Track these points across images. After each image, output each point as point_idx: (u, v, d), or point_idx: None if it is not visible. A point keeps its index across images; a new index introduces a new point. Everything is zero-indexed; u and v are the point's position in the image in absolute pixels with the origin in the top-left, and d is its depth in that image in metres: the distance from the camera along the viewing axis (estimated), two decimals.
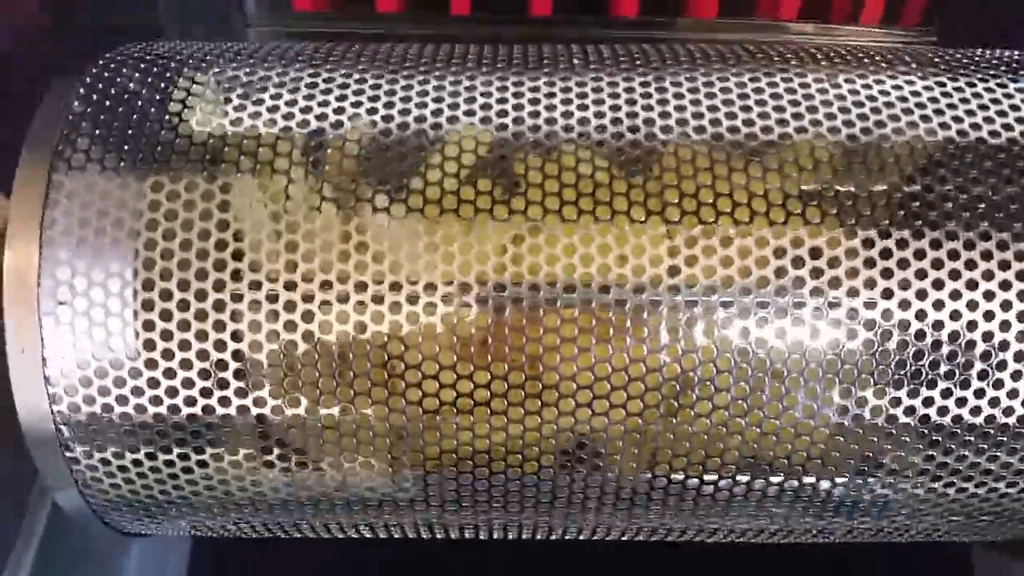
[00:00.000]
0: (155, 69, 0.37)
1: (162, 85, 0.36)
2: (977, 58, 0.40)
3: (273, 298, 0.32)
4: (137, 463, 0.35)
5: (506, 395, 0.33)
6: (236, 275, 0.32)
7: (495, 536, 0.41)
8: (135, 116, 0.35)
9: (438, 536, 0.41)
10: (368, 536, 0.41)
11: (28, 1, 0.40)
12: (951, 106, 0.36)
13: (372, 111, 0.35)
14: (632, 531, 0.42)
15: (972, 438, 0.34)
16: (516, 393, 0.33)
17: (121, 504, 0.37)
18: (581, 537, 0.42)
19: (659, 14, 0.58)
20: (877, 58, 0.39)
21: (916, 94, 0.36)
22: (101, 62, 0.37)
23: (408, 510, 0.38)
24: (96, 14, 0.43)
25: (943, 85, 0.37)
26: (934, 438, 0.34)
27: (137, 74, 0.36)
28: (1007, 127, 0.35)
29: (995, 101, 0.36)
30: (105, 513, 0.38)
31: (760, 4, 0.59)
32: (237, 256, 0.32)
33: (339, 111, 0.35)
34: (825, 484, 0.36)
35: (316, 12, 0.56)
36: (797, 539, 0.41)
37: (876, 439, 0.34)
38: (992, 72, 0.38)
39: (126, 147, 0.34)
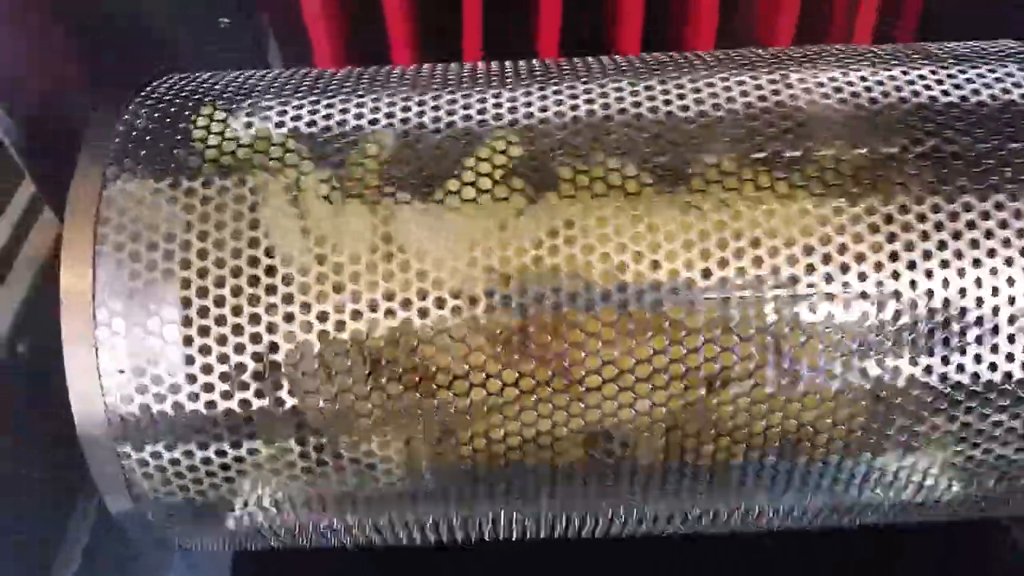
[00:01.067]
0: (194, 98, 0.39)
1: (201, 112, 0.38)
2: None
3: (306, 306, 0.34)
4: (192, 468, 0.35)
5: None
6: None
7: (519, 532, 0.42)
8: (177, 138, 0.37)
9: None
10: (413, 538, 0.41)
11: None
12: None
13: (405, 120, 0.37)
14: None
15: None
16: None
17: (171, 511, 0.37)
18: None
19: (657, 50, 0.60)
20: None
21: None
22: (143, 93, 0.39)
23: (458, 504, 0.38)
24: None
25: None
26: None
27: (178, 101, 0.38)
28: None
29: None
30: (155, 520, 0.38)
31: (757, 37, 0.62)
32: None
33: (373, 121, 0.37)
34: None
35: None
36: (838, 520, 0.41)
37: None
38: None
39: (170, 168, 0.36)
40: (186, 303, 0.34)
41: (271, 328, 0.34)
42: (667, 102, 0.38)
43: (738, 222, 0.34)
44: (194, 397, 0.34)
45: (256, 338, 0.34)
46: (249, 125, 0.37)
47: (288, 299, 0.34)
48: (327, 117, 0.37)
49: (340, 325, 0.33)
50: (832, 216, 0.34)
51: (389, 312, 0.33)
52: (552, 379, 0.34)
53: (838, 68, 0.39)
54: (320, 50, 0.58)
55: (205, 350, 0.34)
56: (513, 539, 0.42)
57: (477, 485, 0.37)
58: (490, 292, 0.34)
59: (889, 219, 0.34)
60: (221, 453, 0.36)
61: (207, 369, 0.34)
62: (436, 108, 0.38)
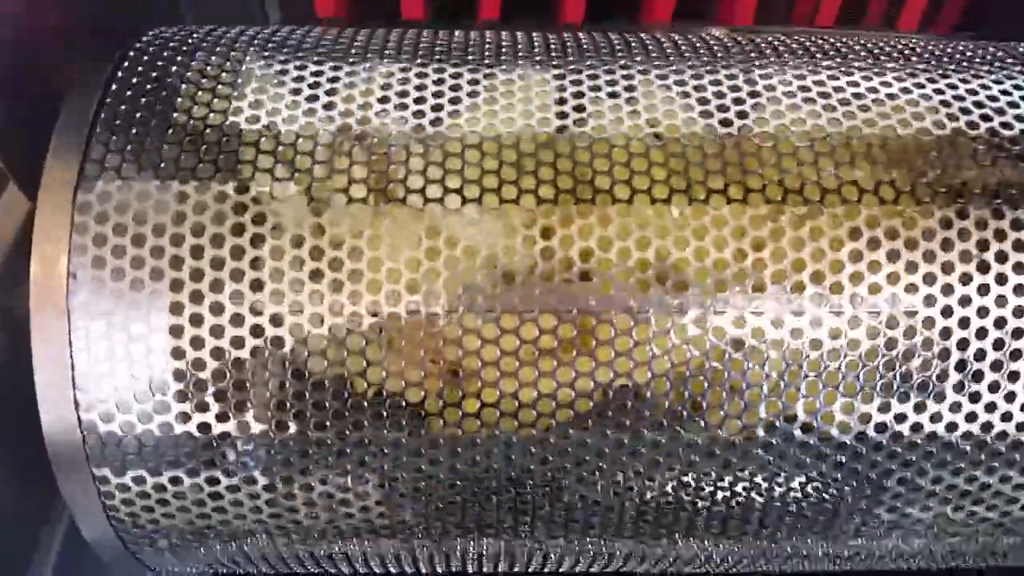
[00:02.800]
0: (193, 59, 0.34)
1: (196, 77, 0.33)
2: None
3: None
4: (170, 487, 0.31)
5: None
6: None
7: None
8: (170, 113, 0.32)
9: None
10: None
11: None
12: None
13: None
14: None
15: None
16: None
17: (148, 532, 0.33)
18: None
19: (693, 18, 0.56)
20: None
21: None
22: (132, 52, 0.34)
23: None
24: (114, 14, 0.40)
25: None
26: None
27: (173, 65, 0.33)
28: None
29: None
30: (131, 542, 0.34)
31: (796, 12, 0.57)
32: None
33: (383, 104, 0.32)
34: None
35: (339, 20, 0.53)
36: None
37: None
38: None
39: (162, 147, 0.31)
40: (176, 309, 0.29)
41: (277, 343, 0.29)
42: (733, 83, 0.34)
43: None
44: (184, 417, 0.30)
45: (257, 352, 0.29)
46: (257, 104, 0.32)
47: (297, 309, 0.29)
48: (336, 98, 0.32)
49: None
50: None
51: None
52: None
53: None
54: None
55: (198, 364, 0.29)
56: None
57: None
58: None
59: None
60: (213, 481, 0.31)
61: (200, 385, 0.30)
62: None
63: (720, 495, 0.33)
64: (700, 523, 0.34)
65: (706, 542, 0.36)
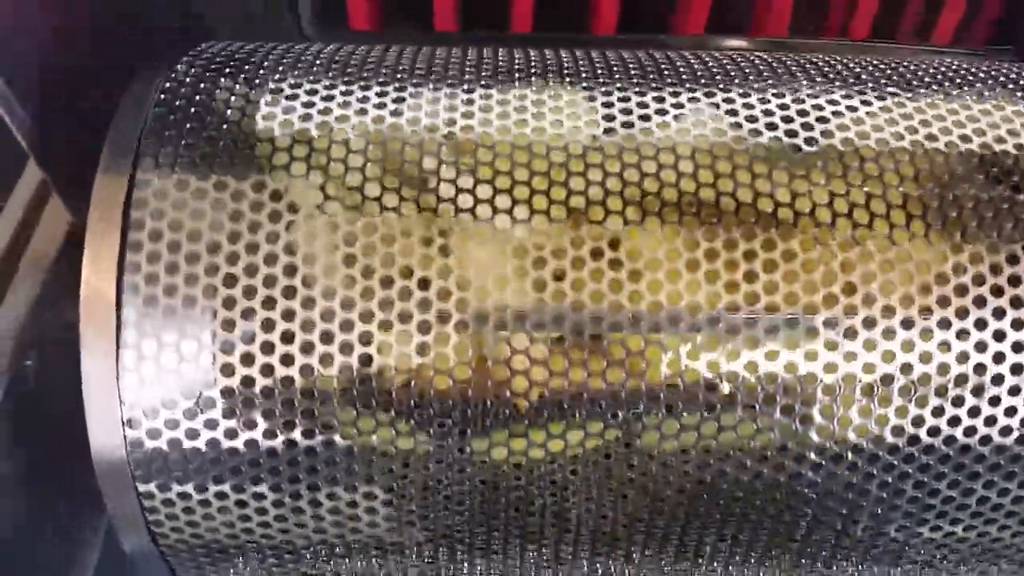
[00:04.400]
0: (243, 73, 0.33)
1: (251, 91, 0.32)
2: None
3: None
4: (214, 503, 0.31)
5: None
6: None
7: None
8: (224, 125, 0.31)
9: None
10: None
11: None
12: None
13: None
14: None
15: None
16: None
17: (191, 548, 0.33)
18: None
19: (727, 31, 0.56)
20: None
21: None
22: (182, 64, 0.33)
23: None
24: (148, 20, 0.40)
25: None
26: None
27: (224, 78, 0.33)
28: None
29: None
30: (174, 558, 0.34)
31: (829, 24, 0.57)
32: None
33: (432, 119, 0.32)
34: None
35: (373, 31, 0.53)
36: None
37: None
38: None
39: (214, 164, 0.30)
40: (228, 326, 0.29)
41: (325, 360, 0.29)
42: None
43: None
44: (232, 434, 0.30)
45: (307, 371, 0.29)
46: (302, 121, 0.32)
47: (347, 326, 0.29)
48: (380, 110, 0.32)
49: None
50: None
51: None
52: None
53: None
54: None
55: (248, 382, 0.29)
56: None
57: None
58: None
59: None
60: (259, 497, 0.31)
61: (249, 403, 0.29)
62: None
63: None
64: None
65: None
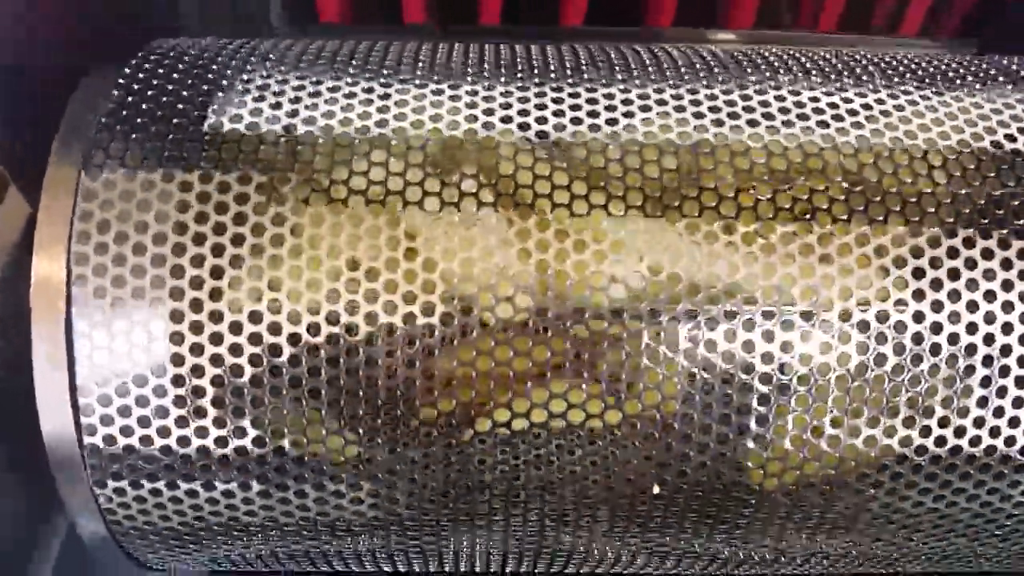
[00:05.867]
0: (195, 69, 0.34)
1: (203, 86, 0.33)
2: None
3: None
4: (166, 491, 0.32)
5: None
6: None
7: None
8: (174, 119, 0.32)
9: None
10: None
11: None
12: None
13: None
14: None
15: None
16: None
17: (145, 534, 0.34)
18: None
19: (694, 23, 0.56)
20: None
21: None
22: (135, 61, 0.34)
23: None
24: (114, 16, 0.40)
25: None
26: None
27: (176, 74, 0.33)
28: None
29: None
30: (128, 543, 0.34)
31: (800, 16, 0.57)
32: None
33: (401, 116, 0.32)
34: None
35: (342, 24, 0.54)
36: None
37: None
38: None
39: (165, 154, 0.31)
40: (176, 317, 0.30)
41: (275, 351, 0.30)
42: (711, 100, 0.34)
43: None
44: (182, 422, 0.30)
45: (256, 360, 0.30)
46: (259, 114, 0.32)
47: (295, 318, 0.29)
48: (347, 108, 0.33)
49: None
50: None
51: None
52: None
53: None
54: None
55: (197, 371, 0.30)
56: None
57: None
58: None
59: None
60: (209, 486, 0.32)
61: (198, 392, 0.30)
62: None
63: None
64: None
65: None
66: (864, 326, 0.30)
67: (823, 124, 0.33)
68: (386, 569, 0.40)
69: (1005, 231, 0.31)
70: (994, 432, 0.31)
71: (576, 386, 0.30)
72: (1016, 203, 0.31)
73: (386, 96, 0.33)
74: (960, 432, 0.31)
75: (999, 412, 0.31)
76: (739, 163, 0.31)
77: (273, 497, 0.32)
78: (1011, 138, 0.33)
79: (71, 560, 0.40)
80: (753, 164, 0.31)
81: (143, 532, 0.34)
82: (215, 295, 0.30)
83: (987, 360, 0.30)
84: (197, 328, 0.29)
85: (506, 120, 0.32)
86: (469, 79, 0.34)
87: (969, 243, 0.31)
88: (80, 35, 0.38)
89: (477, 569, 0.40)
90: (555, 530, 0.35)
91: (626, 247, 0.30)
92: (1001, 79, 0.36)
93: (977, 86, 0.35)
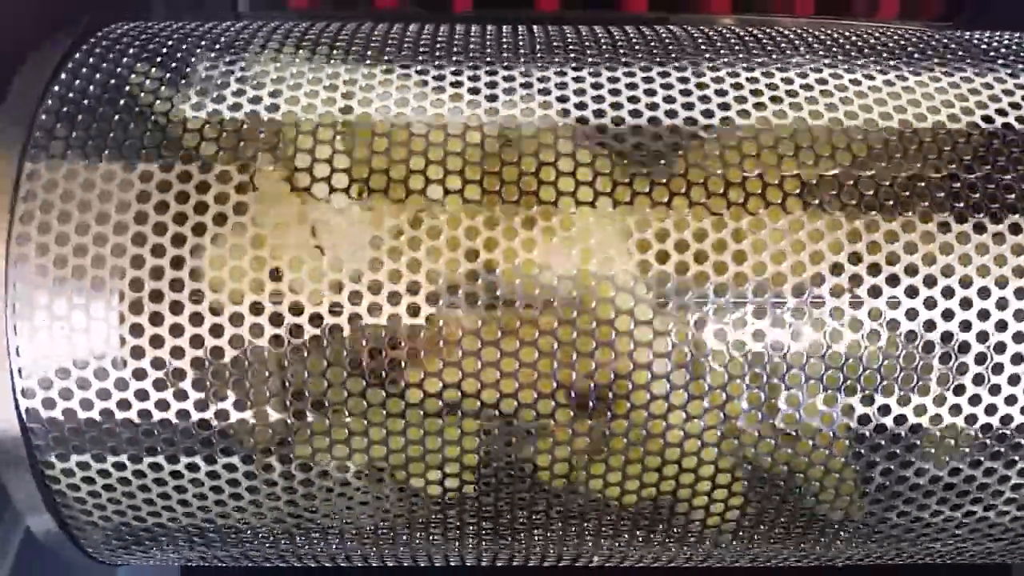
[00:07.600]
0: (149, 51, 0.33)
1: (155, 70, 0.32)
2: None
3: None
4: (114, 473, 0.31)
5: None
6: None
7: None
8: (123, 101, 0.31)
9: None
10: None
11: None
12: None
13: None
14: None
15: None
16: None
17: (103, 529, 0.33)
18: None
19: (669, 8, 0.55)
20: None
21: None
22: (86, 44, 0.33)
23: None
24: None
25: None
26: None
27: (128, 56, 0.33)
28: None
29: None
30: (84, 539, 0.34)
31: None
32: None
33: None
34: None
35: (310, 8, 0.53)
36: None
37: None
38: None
39: (112, 136, 0.30)
40: (120, 297, 0.29)
41: (216, 331, 0.29)
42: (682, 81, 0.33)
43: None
44: (125, 405, 0.30)
45: (197, 341, 0.29)
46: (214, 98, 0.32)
47: (237, 296, 0.29)
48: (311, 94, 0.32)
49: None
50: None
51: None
52: None
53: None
54: None
55: (138, 352, 0.29)
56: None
57: None
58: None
59: None
60: (155, 467, 0.31)
61: (140, 374, 0.29)
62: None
63: None
64: None
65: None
66: None
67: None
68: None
69: None
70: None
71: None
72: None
73: (351, 82, 0.33)
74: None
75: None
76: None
77: (220, 480, 0.32)
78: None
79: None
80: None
81: (92, 518, 0.33)
82: (156, 274, 0.29)
83: None
84: (137, 308, 0.29)
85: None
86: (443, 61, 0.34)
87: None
88: (46, 14, 0.37)
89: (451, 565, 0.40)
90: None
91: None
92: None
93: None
